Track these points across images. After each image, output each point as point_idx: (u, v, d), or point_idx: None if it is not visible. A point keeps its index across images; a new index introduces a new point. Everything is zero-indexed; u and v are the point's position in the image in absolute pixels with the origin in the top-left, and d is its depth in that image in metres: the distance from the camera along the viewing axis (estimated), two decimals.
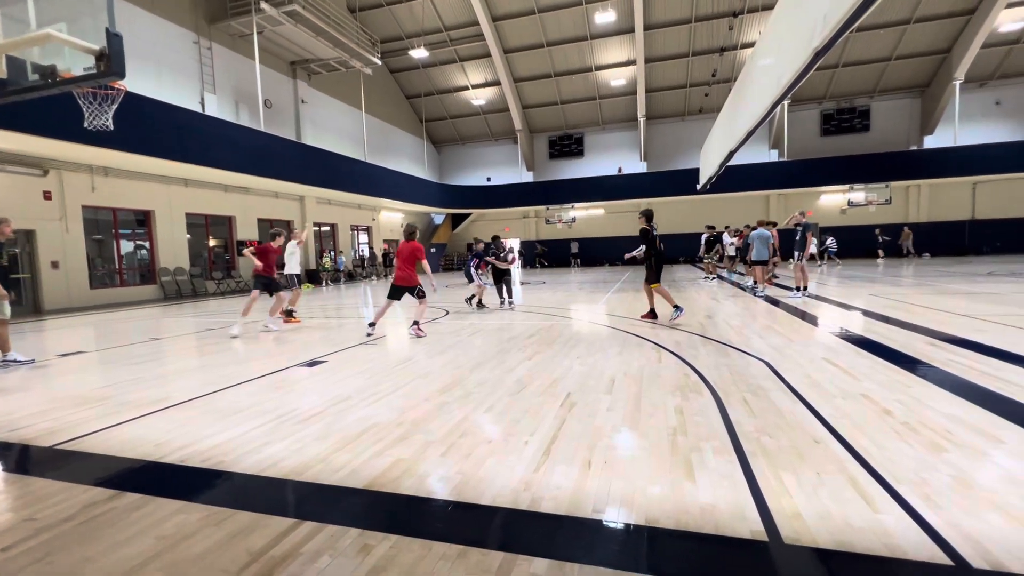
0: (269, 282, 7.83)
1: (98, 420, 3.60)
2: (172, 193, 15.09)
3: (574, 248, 28.47)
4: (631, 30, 23.01)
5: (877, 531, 1.90)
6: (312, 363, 5.34)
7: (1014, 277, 12.17)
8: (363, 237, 25.00)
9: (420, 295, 6.95)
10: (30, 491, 2.51)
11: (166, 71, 15.08)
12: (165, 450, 2.98)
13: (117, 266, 14.29)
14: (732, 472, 2.43)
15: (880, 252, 22.48)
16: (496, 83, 26.60)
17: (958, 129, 22.59)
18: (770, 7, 18.77)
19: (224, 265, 17.44)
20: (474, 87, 27.42)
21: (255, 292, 7.75)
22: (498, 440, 2.96)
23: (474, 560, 1.80)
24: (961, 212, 24.33)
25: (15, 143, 10.49)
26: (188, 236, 15.88)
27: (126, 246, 14.72)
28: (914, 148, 24.68)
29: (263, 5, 15.68)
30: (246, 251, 7.75)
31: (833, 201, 25.50)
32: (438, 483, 2.45)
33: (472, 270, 9.75)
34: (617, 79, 25.90)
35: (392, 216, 26.88)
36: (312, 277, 19.77)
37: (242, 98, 17.73)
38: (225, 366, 5.40)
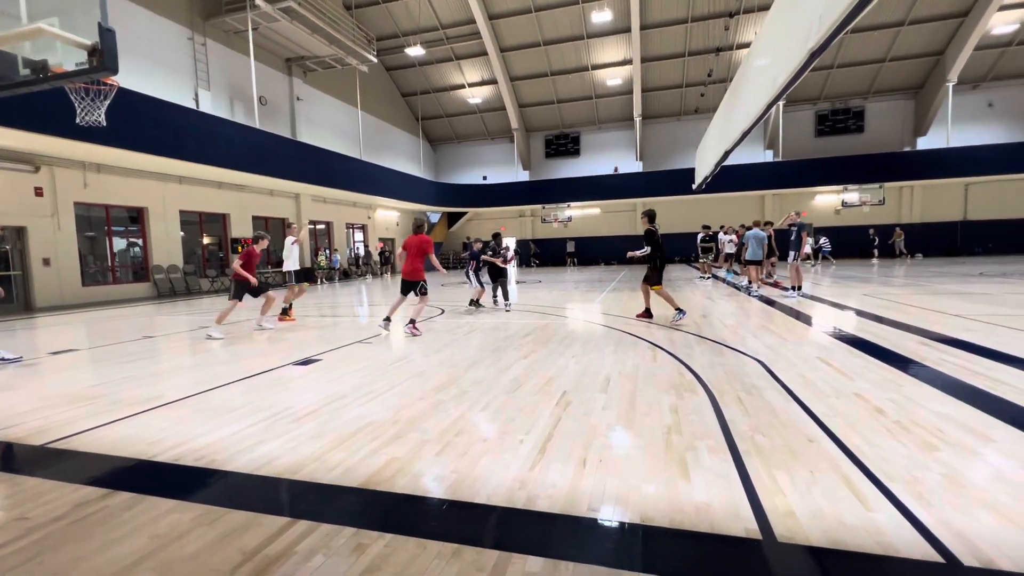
0: (250, 287, 7.38)
1: (90, 418, 3.57)
2: (166, 190, 14.98)
3: (570, 247, 28.48)
4: (627, 30, 23.04)
5: (870, 529, 1.92)
6: (307, 362, 5.31)
7: (1005, 278, 12.29)
8: (359, 235, 24.92)
9: (422, 292, 6.92)
10: (21, 490, 2.48)
11: (160, 67, 14.95)
12: (158, 449, 2.96)
13: (110, 263, 14.17)
14: (726, 471, 2.44)
15: (875, 252, 22.65)
16: (492, 82, 26.56)
17: (951, 130, 22.77)
18: (766, 8, 18.84)
19: (218, 263, 17.34)
20: (470, 85, 27.37)
21: (235, 302, 7.30)
22: (493, 439, 2.96)
23: (469, 559, 1.80)
24: (953, 213, 24.52)
25: (6, 139, 10.38)
26: (182, 233, 15.76)
27: (119, 243, 14.61)
28: (907, 149, 24.85)
29: (258, 1, 15.57)
30: (236, 264, 7.26)
31: (827, 201, 25.65)
32: (433, 482, 2.44)
33: (470, 273, 9.53)
34: (613, 78, 25.92)
35: (388, 214, 26.80)
36: (307, 276, 19.69)
37: (237, 95, 17.62)
38: (218, 364, 5.37)
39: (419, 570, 1.74)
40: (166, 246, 15.13)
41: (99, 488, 2.46)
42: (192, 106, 15.29)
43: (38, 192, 12.05)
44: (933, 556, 1.75)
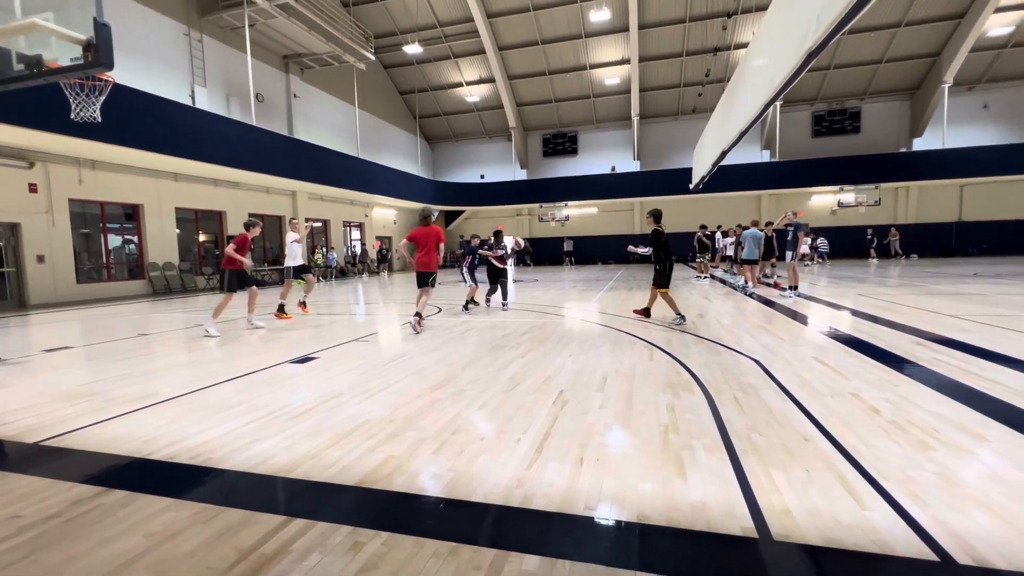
0: (243, 276, 7.32)
1: (84, 416, 3.55)
2: (161, 187, 14.90)
3: (567, 246, 28.50)
4: (625, 29, 23.04)
5: (865, 527, 1.93)
6: (303, 359, 5.30)
7: (999, 278, 12.37)
8: (355, 233, 24.86)
9: (432, 283, 6.97)
10: (14, 488, 2.47)
11: (156, 63, 14.87)
12: (153, 447, 2.95)
13: (105, 260, 14.09)
14: (723, 470, 2.45)
15: (873, 252, 22.76)
16: (490, 80, 26.52)
17: (946, 132, 22.89)
18: (764, 8, 18.87)
19: (214, 260, 17.26)
20: (468, 84, 27.33)
21: (229, 295, 7.20)
22: (490, 437, 2.96)
23: (466, 557, 1.80)
24: (948, 214, 24.66)
25: (0, 134, 10.30)
26: (177, 231, 15.69)
27: (114, 240, 14.52)
28: (903, 150, 24.97)
29: None
30: (229, 249, 7.15)
31: (824, 202, 25.74)
32: (430, 480, 2.44)
33: (464, 270, 9.30)
34: (611, 78, 25.93)
35: (385, 212, 26.75)
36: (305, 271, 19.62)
37: (233, 92, 17.53)
38: (214, 362, 5.35)
39: (416, 568, 1.74)
40: (161, 243, 15.06)
41: (93, 486, 2.45)
42: (188, 103, 15.21)
43: (32, 188, 11.96)
44: (928, 555, 1.76)
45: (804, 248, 21.35)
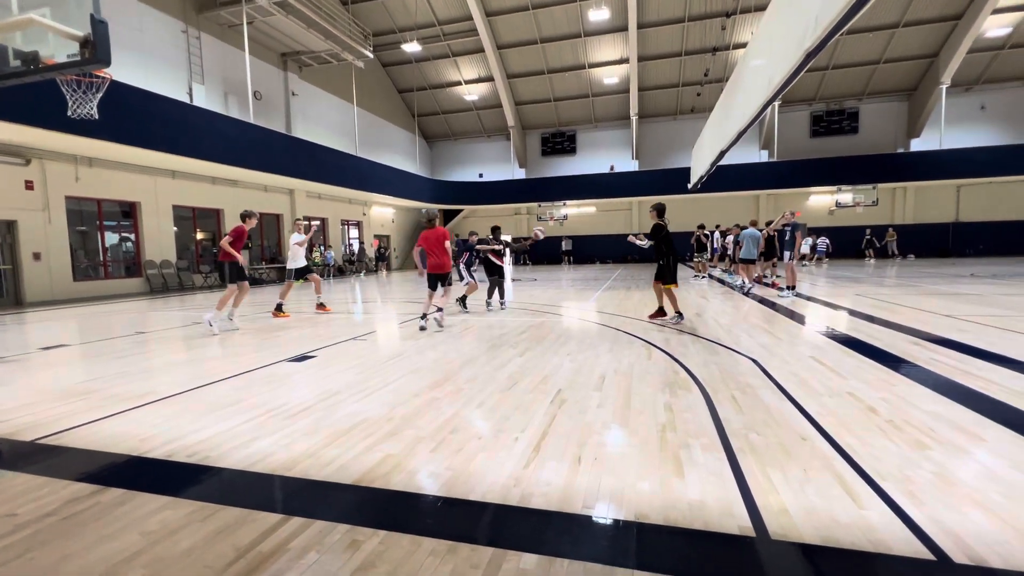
0: (240, 269, 7.20)
1: (81, 414, 3.54)
2: (159, 185, 14.85)
3: (566, 245, 28.51)
4: (624, 28, 23.04)
5: (862, 527, 1.93)
6: (301, 358, 5.29)
7: (996, 279, 12.41)
8: (353, 232, 24.82)
9: (449, 283, 7.07)
10: (10, 487, 2.45)
11: (153, 60, 14.81)
12: (150, 445, 2.94)
13: (102, 258, 14.04)
14: (720, 469, 2.46)
15: (871, 252, 22.81)
16: (489, 79, 26.49)
17: (944, 133, 22.95)
18: (763, 8, 18.89)
19: (212, 259, 17.21)
20: (467, 82, 27.29)
21: (233, 286, 7.13)
22: (488, 436, 2.96)
23: (463, 555, 1.80)
24: (945, 214, 24.74)
25: None
26: (175, 229, 15.64)
27: (111, 238, 14.46)
28: (901, 151, 25.03)
29: None
30: (224, 242, 7.00)
31: (821, 202, 25.79)
32: (428, 479, 2.44)
33: (461, 267, 9.05)
34: (610, 77, 25.92)
35: (383, 211, 26.71)
36: (301, 272, 19.59)
37: (231, 89, 17.48)
38: (212, 360, 5.33)
39: (414, 567, 1.74)
40: (159, 241, 15.01)
41: (90, 484, 2.44)
42: (186, 100, 15.15)
43: (28, 185, 11.91)
44: (924, 553, 1.77)
45: (804, 248, 21.47)
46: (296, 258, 8.80)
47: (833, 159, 24.19)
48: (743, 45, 22.68)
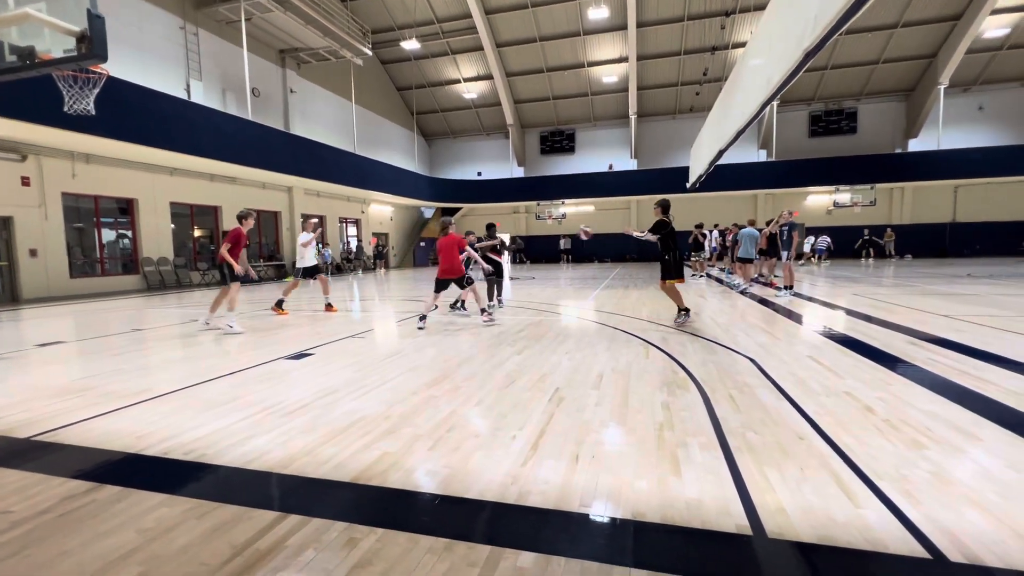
0: (233, 272, 7.09)
1: (77, 411, 3.52)
2: (156, 181, 14.80)
3: (564, 244, 28.51)
4: (624, 27, 23.02)
5: (858, 525, 1.94)
6: (299, 356, 5.28)
7: (992, 279, 12.45)
8: (352, 230, 24.77)
9: (468, 282, 7.12)
10: (5, 484, 2.44)
11: (151, 56, 14.74)
12: (147, 442, 2.93)
13: (98, 255, 13.99)
14: (717, 467, 2.46)
15: (871, 252, 22.85)
16: (488, 77, 26.44)
17: (941, 133, 23.00)
18: (762, 7, 18.89)
19: (209, 256, 17.18)
20: (466, 80, 27.24)
21: (236, 284, 7.03)
22: (486, 434, 2.96)
23: (460, 553, 1.80)
24: (943, 215, 24.81)
25: None
26: (172, 226, 15.59)
27: (108, 235, 14.42)
28: (899, 151, 25.08)
29: None
30: (223, 249, 6.94)
31: (819, 202, 25.84)
32: (425, 477, 2.44)
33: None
34: (609, 76, 25.91)
35: (382, 209, 26.66)
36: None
37: (229, 86, 17.42)
38: (209, 358, 5.32)
39: (411, 565, 1.74)
40: (156, 238, 14.96)
41: (86, 482, 2.43)
42: (183, 96, 15.10)
43: (25, 181, 11.85)
44: (920, 552, 1.77)
45: (806, 247, 21.55)
46: (304, 257, 8.75)
47: (831, 159, 24.23)
48: (742, 44, 22.68)
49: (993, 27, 21.20)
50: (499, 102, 27.42)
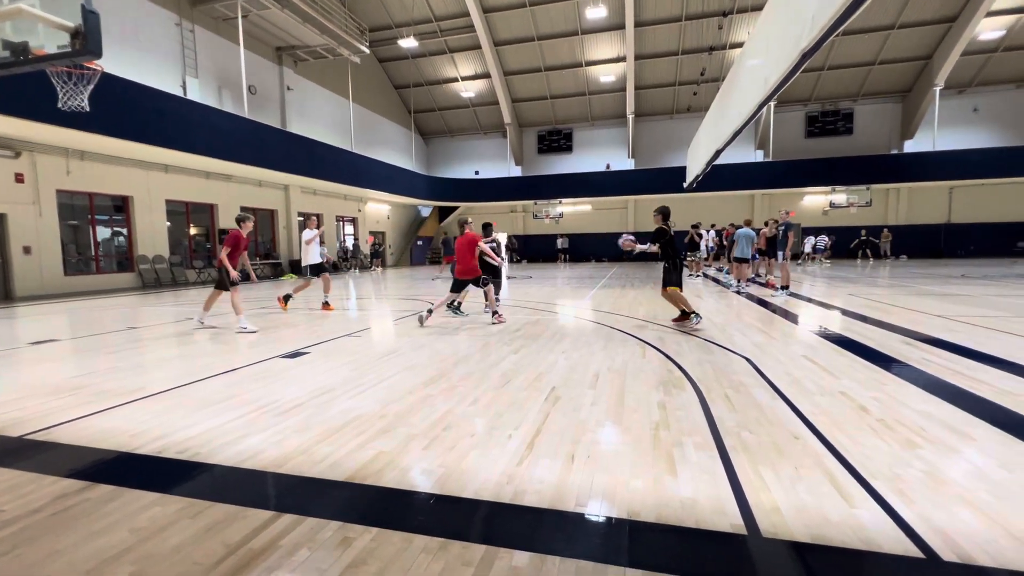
0: (230, 277, 6.94)
1: (71, 410, 3.50)
2: (151, 179, 14.71)
3: (561, 244, 28.52)
4: (621, 26, 23.02)
5: (853, 525, 1.94)
6: (295, 354, 5.26)
7: (987, 280, 12.53)
8: (349, 228, 24.70)
9: (484, 283, 7.13)
10: None
11: (146, 53, 14.65)
12: (141, 441, 2.91)
13: (93, 253, 13.90)
14: (713, 467, 2.46)
15: (868, 253, 22.94)
16: (486, 75, 26.40)
17: (937, 134, 23.10)
18: (759, 8, 18.92)
19: (205, 254, 17.11)
20: (463, 79, 27.19)
21: (236, 288, 6.90)
22: (482, 433, 2.96)
23: (455, 553, 1.80)
24: (938, 216, 24.93)
25: None
26: (168, 223, 15.51)
27: (103, 232, 14.33)
28: (895, 152, 25.19)
29: None
30: (222, 254, 6.84)
31: (816, 202, 25.93)
32: (420, 476, 2.43)
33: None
34: (607, 75, 25.91)
35: (379, 207, 26.60)
36: (296, 268, 19.53)
37: (225, 83, 17.33)
38: (204, 356, 5.29)
39: (405, 564, 1.73)
40: (151, 236, 14.88)
41: (79, 481, 2.41)
42: (179, 93, 15.01)
43: (19, 178, 11.77)
44: (913, 551, 1.78)
45: (807, 247, 21.64)
46: (309, 255, 8.72)
47: (828, 159, 24.31)
48: (740, 45, 22.72)
49: (988, 29, 21.30)
50: (497, 101, 27.38)
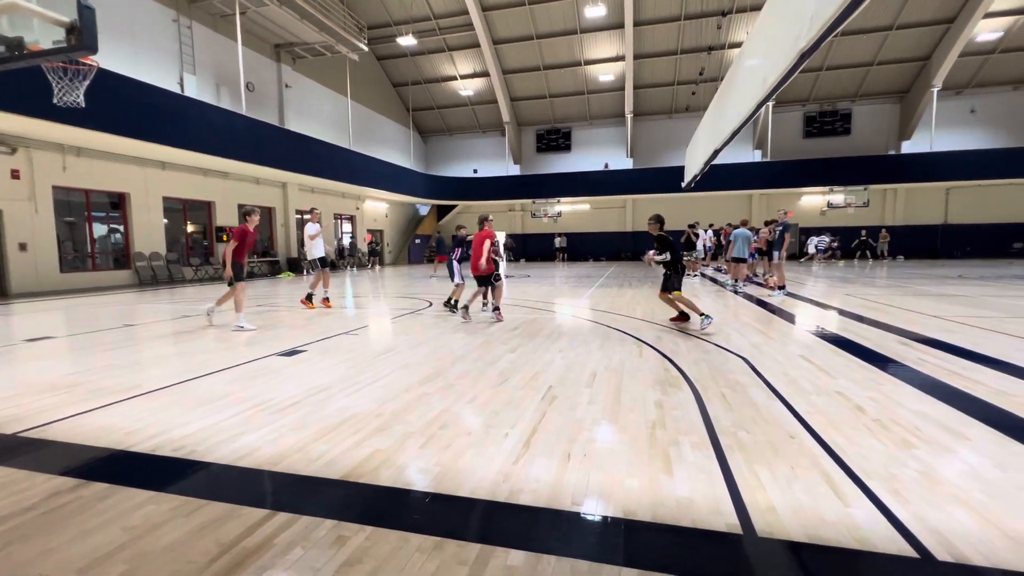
0: (239, 267, 6.87)
1: (65, 407, 3.48)
2: (148, 176, 14.65)
3: (559, 243, 28.52)
4: (620, 25, 23.00)
5: (848, 524, 1.95)
6: (291, 352, 5.25)
7: (983, 280, 12.57)
8: (347, 226, 24.65)
9: (496, 279, 7.23)
10: None
11: (143, 49, 14.57)
12: (136, 439, 2.90)
13: (89, 250, 13.84)
14: (709, 466, 2.46)
15: (868, 253, 23.01)
16: (484, 74, 26.36)
17: (934, 135, 23.16)
18: (758, 8, 18.94)
19: (202, 251, 17.05)
20: (462, 77, 27.14)
21: (241, 284, 6.81)
22: (478, 432, 2.95)
23: (451, 552, 1.79)
24: (935, 216, 25.00)
25: None
26: (165, 221, 15.45)
27: (99, 229, 14.26)
28: (892, 152, 25.25)
29: None
30: (228, 248, 6.69)
31: (813, 202, 25.99)
32: (416, 474, 2.43)
33: (453, 263, 8.55)
34: (606, 74, 25.89)
35: (377, 206, 26.55)
36: (293, 266, 19.48)
37: (223, 80, 17.26)
38: (200, 354, 5.28)
39: (400, 563, 1.73)
40: (148, 233, 14.82)
41: (72, 478, 2.40)
42: (177, 90, 14.95)
43: (14, 174, 11.70)
44: (908, 551, 1.78)
45: (810, 248, 21.71)
46: (314, 249, 8.79)
47: (825, 160, 24.35)
48: (738, 44, 22.72)
49: (986, 31, 21.35)
50: (495, 99, 27.34)
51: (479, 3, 22.49)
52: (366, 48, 21.36)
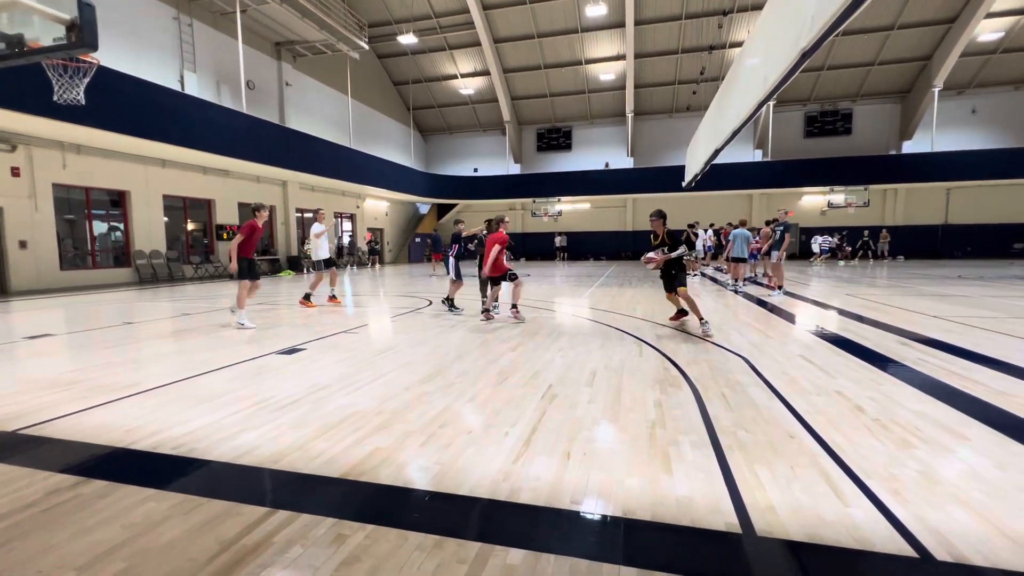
0: (252, 264, 6.89)
1: (65, 405, 3.49)
2: (149, 174, 14.64)
3: (560, 242, 28.51)
4: (621, 24, 22.98)
5: (847, 524, 1.95)
6: (291, 350, 5.25)
7: (983, 281, 12.57)
8: (347, 225, 24.64)
9: (512, 278, 7.24)
10: None
11: (144, 47, 14.56)
12: (136, 436, 2.90)
13: (90, 247, 13.84)
14: (708, 465, 2.46)
15: (869, 254, 23.02)
16: (485, 73, 26.34)
17: (935, 135, 23.14)
18: (759, 7, 18.90)
19: (203, 249, 17.05)
20: (463, 76, 27.12)
21: (246, 282, 6.74)
22: (478, 431, 2.95)
23: (450, 550, 1.79)
24: (935, 216, 24.99)
25: None
26: (165, 219, 15.44)
27: (99, 227, 14.25)
28: (893, 152, 25.23)
29: None
30: (235, 243, 6.64)
31: (814, 202, 25.97)
32: (416, 473, 2.43)
33: (451, 260, 8.45)
34: (606, 73, 25.87)
35: (377, 204, 26.54)
36: (293, 264, 19.49)
37: (224, 78, 17.25)
38: (201, 352, 5.28)
39: (399, 562, 1.73)
40: (148, 231, 14.81)
41: (72, 476, 2.40)
42: (177, 88, 14.94)
43: (15, 172, 11.69)
44: (907, 551, 1.78)
45: (815, 248, 21.71)
46: (319, 249, 8.85)
47: (826, 160, 24.34)
48: (739, 44, 22.70)
49: (987, 31, 21.33)
50: (496, 98, 27.33)
51: (480, 2, 22.47)
52: (367, 46, 21.34)
